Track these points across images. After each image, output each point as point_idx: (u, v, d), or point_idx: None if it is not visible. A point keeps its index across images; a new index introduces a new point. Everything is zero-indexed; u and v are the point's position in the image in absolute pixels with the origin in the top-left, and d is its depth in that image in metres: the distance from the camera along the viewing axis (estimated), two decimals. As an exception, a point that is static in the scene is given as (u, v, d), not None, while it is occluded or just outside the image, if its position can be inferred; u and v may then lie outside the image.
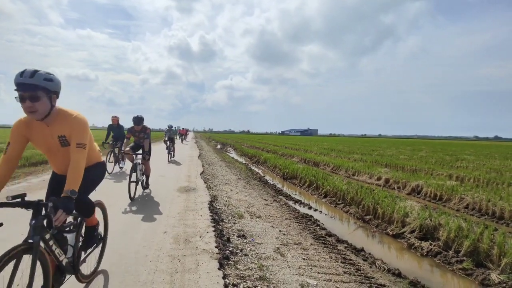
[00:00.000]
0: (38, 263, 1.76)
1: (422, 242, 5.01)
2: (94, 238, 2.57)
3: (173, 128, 14.20)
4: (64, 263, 2.09)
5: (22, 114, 2.04)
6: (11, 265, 1.62)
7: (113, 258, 3.12)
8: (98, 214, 2.74)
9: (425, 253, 4.77)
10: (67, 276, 2.25)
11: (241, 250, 3.68)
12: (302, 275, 3.24)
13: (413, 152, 24.12)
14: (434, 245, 4.84)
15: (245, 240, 4.08)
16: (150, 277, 2.78)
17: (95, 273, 2.75)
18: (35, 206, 1.75)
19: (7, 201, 1.70)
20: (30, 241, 1.70)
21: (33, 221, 1.74)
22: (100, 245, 2.85)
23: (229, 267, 3.16)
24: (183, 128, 35.66)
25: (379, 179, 10.98)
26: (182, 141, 30.29)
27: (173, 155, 13.89)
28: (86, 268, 2.60)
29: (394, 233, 5.55)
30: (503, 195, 7.22)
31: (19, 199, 1.74)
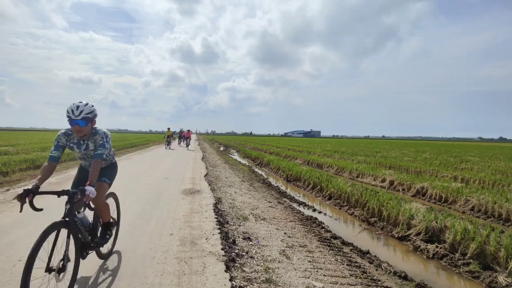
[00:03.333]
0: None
1: (428, 244, 4.99)
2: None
3: (103, 131, 2.77)
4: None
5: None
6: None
7: (120, 261, 3.15)
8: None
9: (431, 255, 4.75)
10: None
11: (246, 253, 3.69)
12: (308, 277, 3.24)
13: (417, 153, 24.00)
14: (440, 248, 4.81)
15: (250, 243, 4.09)
16: (158, 279, 2.80)
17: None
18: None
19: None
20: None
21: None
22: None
23: (235, 270, 3.17)
24: (188, 130, 26.69)
25: (383, 181, 10.94)
26: (187, 146, 24.54)
27: (113, 239, 3.36)
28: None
29: (400, 235, 5.53)
30: (509, 197, 7.16)
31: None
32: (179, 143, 28.32)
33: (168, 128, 24.55)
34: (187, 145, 24.84)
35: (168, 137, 23.53)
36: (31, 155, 12.36)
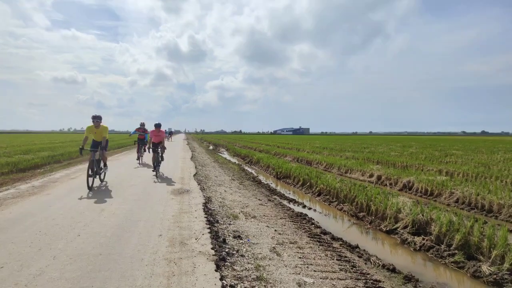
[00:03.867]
0: None
1: (415, 237, 5.10)
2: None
3: None
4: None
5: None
6: None
7: (108, 264, 3.09)
8: None
9: (418, 247, 4.86)
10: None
11: (237, 251, 3.68)
12: (299, 273, 3.26)
13: (404, 148, 24.49)
14: (427, 240, 4.93)
15: (241, 241, 4.08)
16: (147, 282, 2.76)
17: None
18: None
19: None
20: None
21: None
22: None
23: (226, 269, 3.16)
24: (157, 127, 10.08)
25: (371, 176, 11.12)
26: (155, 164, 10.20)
27: None
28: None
29: (388, 229, 5.63)
30: (492, 189, 7.40)
31: None
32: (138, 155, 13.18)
33: (142, 124, 13.12)
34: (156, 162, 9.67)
35: (139, 143, 12.69)
36: (13, 158, 11.97)
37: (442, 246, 4.67)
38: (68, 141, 30.45)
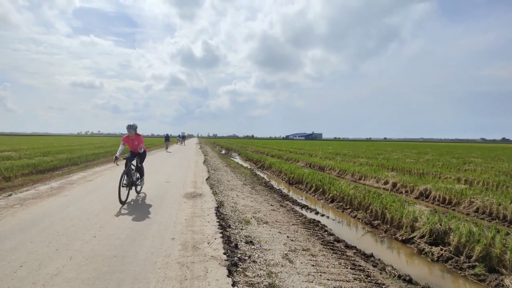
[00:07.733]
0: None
1: (433, 247, 4.93)
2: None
3: None
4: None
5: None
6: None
7: (122, 266, 3.13)
8: None
9: (436, 258, 4.69)
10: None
11: (249, 257, 3.66)
12: (312, 282, 3.21)
13: (419, 155, 23.88)
14: (445, 250, 4.76)
15: (253, 247, 4.06)
16: (160, 285, 2.77)
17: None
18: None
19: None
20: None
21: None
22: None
23: (238, 274, 3.14)
24: (133, 131, 7.18)
25: (386, 183, 10.88)
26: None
27: None
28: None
29: (404, 238, 5.48)
30: (514, 199, 7.09)
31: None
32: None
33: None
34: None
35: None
36: (33, 160, 12.39)
37: (462, 258, 4.49)
38: (86, 144, 31.31)
